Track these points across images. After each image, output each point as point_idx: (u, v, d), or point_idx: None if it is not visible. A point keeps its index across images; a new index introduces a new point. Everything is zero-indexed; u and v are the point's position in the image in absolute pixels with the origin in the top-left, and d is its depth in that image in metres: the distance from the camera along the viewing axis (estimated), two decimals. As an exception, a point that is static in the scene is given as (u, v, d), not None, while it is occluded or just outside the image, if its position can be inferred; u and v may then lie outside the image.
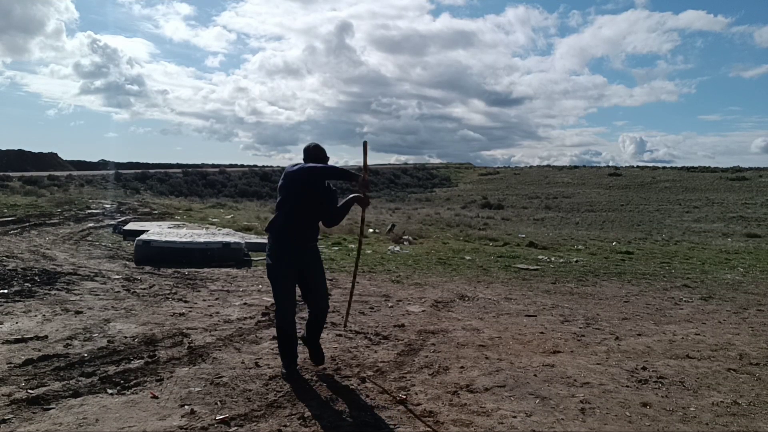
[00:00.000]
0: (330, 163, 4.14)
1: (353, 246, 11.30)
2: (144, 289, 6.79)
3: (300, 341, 4.24)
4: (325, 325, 5.42)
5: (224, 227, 12.73)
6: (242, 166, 60.19)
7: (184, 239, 9.27)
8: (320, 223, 4.16)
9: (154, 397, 3.51)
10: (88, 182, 30.13)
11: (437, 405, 3.59)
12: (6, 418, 3.11)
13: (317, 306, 4.14)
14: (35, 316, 5.21)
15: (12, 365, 3.90)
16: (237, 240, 9.71)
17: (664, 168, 52.56)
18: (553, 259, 11.19)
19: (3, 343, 4.37)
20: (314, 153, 4.06)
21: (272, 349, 4.61)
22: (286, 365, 4.03)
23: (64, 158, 57.75)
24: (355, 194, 4.08)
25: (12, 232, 10.80)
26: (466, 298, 7.10)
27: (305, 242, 4.04)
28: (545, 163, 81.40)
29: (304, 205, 3.92)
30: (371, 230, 15.11)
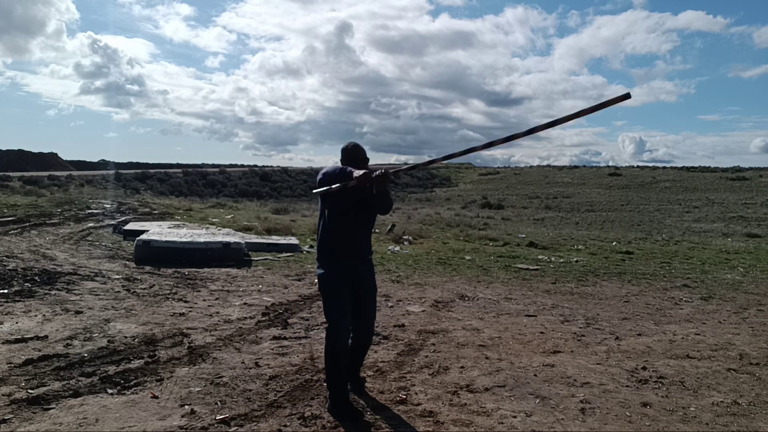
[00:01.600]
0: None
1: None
2: (144, 289, 6.79)
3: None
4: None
5: (224, 227, 12.73)
6: (242, 166, 60.22)
7: (184, 239, 9.27)
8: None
9: (154, 397, 3.51)
10: (88, 182, 30.13)
11: (437, 405, 3.59)
12: (6, 418, 3.11)
13: (363, 331, 3.64)
14: (35, 316, 5.21)
15: (12, 365, 3.90)
16: (237, 240, 9.71)
17: (664, 168, 52.55)
18: (553, 259, 11.19)
19: (3, 343, 4.37)
20: (353, 154, 3.57)
21: (272, 349, 4.61)
22: (334, 396, 3.42)
23: (64, 158, 57.87)
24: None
25: (12, 232, 10.80)
26: (466, 298, 7.10)
27: (361, 256, 3.59)
28: (545, 163, 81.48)
29: (351, 216, 3.49)
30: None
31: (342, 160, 3.59)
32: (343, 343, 3.44)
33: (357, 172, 3.23)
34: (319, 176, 3.43)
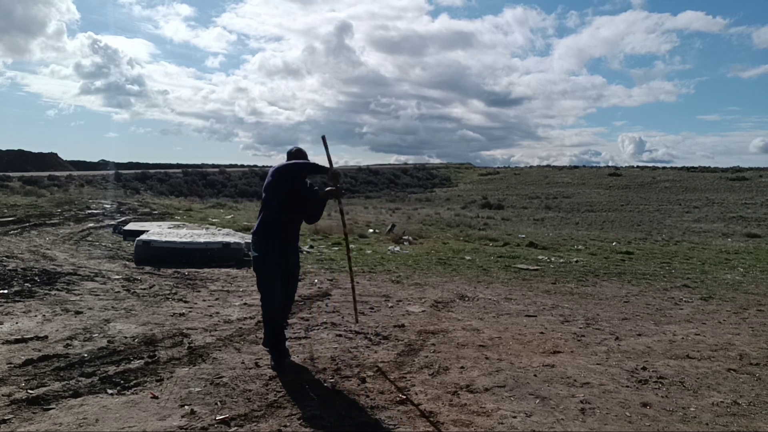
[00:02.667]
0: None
1: (352, 246, 11.30)
2: (144, 289, 6.79)
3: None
4: (325, 326, 5.45)
5: (224, 227, 12.73)
6: (242, 166, 60.21)
7: (184, 239, 9.27)
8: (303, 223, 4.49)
9: (154, 397, 3.51)
10: (88, 182, 30.11)
11: (437, 405, 3.59)
12: (6, 418, 3.11)
13: (285, 300, 4.43)
14: (35, 316, 5.21)
15: (12, 365, 3.90)
16: (237, 240, 9.71)
17: (664, 168, 52.60)
18: (553, 259, 11.19)
19: (3, 343, 4.37)
20: (297, 156, 4.41)
21: (272, 350, 4.61)
22: (275, 358, 4.23)
23: (64, 158, 57.83)
24: (328, 188, 4.34)
25: (12, 232, 10.80)
26: (466, 299, 7.10)
27: (289, 241, 4.36)
28: (545, 163, 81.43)
29: (290, 202, 4.20)
30: (371, 230, 15.11)
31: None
32: (277, 311, 4.25)
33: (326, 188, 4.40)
34: (283, 170, 4.19)
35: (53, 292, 6.24)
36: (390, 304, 6.57)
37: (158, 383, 3.75)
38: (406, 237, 13.75)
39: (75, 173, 35.42)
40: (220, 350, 4.52)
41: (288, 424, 3.23)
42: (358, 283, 7.86)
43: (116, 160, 59.20)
